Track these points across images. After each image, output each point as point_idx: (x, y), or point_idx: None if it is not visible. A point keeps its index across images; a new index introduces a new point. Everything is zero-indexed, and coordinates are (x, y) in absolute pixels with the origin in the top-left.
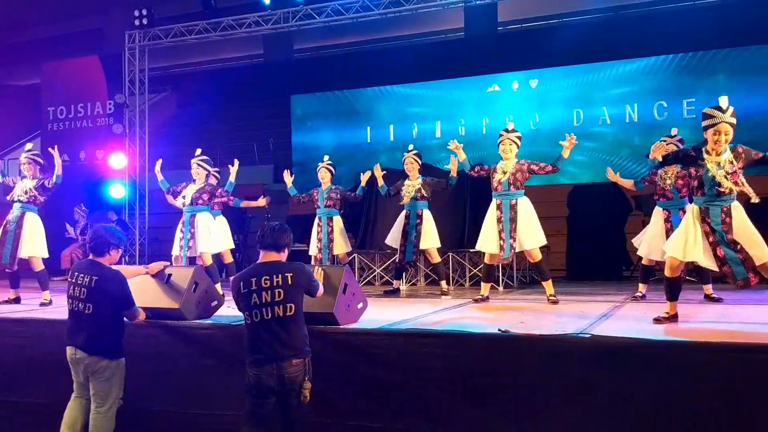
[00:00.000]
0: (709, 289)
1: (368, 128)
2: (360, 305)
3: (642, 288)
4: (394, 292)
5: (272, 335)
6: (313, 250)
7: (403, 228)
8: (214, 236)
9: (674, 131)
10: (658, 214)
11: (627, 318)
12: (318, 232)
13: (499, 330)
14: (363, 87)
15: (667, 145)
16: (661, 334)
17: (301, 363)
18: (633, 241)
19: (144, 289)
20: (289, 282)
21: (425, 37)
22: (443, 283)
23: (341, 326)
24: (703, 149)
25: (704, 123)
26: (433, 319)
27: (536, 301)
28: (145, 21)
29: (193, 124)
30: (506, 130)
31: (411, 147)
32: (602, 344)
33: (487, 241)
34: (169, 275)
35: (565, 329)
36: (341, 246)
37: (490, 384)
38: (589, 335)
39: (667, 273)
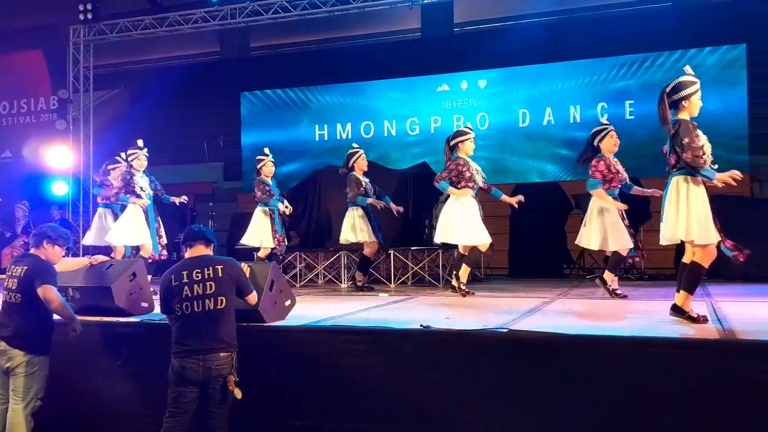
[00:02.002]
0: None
1: (320, 126)
2: (288, 302)
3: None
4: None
5: (201, 328)
6: (270, 242)
7: (370, 223)
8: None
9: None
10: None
11: (552, 313)
12: (272, 225)
13: (421, 326)
14: (316, 85)
15: (607, 132)
16: (575, 329)
17: (228, 357)
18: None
19: (80, 272)
20: (220, 274)
21: (384, 36)
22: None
23: (267, 324)
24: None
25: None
26: (362, 316)
27: (472, 297)
28: (90, 15)
29: (144, 121)
30: (471, 129)
31: (356, 145)
32: (518, 339)
33: (480, 233)
34: (110, 265)
35: (486, 324)
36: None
37: (412, 379)
38: (506, 330)
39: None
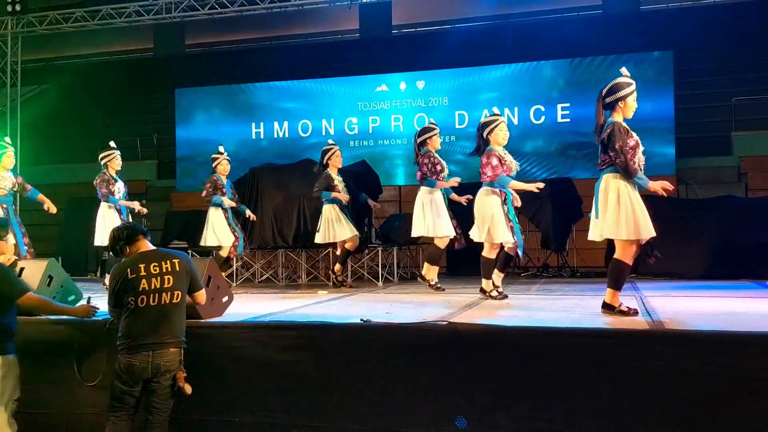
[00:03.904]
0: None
1: (256, 124)
2: (225, 299)
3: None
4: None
5: (154, 322)
6: (230, 240)
7: (347, 217)
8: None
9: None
10: (496, 197)
11: (489, 307)
12: (229, 225)
13: (361, 320)
14: (254, 82)
15: (497, 123)
16: (510, 321)
17: (177, 352)
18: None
19: None
20: (177, 268)
21: (322, 36)
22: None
23: (204, 320)
24: None
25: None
26: (301, 312)
27: (411, 294)
28: (18, 7)
29: (75, 118)
30: (435, 125)
31: (331, 142)
32: (456, 331)
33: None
34: (22, 269)
35: (426, 318)
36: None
37: (353, 374)
38: (445, 323)
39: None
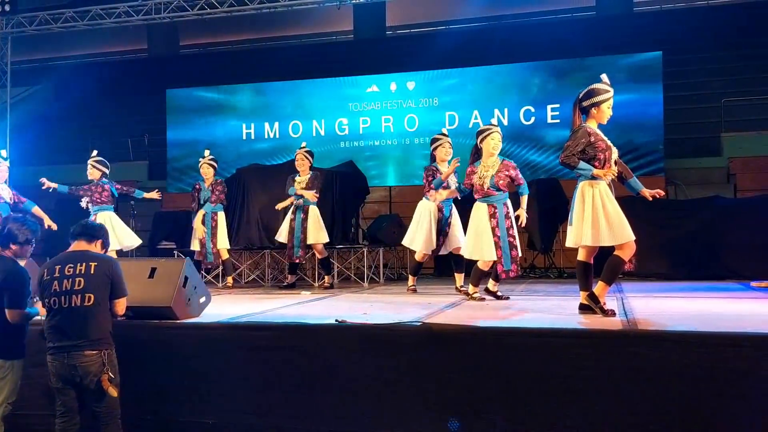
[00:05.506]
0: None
1: (247, 124)
2: (202, 299)
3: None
4: (290, 287)
5: (67, 324)
6: (195, 245)
7: (290, 224)
8: (120, 232)
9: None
10: (481, 210)
11: (469, 308)
12: (203, 228)
13: (336, 321)
14: (245, 83)
15: (488, 133)
16: (486, 322)
17: (95, 354)
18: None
19: None
20: (92, 271)
21: (316, 37)
22: (327, 278)
23: (180, 320)
24: None
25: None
26: (280, 313)
27: (395, 295)
28: (7, 7)
29: (67, 119)
30: (444, 134)
31: (303, 144)
32: (430, 331)
33: (426, 241)
34: None
35: (402, 319)
36: (225, 241)
37: (329, 374)
38: (420, 323)
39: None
